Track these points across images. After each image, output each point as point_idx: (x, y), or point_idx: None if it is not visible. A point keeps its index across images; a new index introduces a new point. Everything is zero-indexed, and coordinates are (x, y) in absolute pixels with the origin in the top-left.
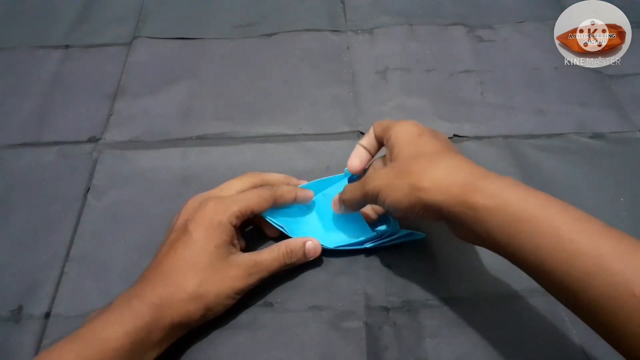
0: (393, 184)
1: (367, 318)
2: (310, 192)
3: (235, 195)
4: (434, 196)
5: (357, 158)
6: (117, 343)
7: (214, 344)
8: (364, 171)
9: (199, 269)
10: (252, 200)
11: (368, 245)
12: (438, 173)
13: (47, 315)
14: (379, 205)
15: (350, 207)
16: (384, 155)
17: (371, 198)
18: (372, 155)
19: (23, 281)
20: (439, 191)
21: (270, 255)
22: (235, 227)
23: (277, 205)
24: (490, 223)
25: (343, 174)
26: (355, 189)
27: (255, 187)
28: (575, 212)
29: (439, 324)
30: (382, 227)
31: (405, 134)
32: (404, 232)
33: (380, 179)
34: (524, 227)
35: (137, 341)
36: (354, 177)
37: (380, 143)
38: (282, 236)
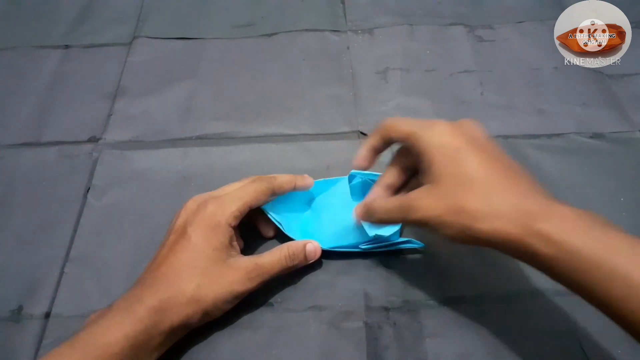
0: (443, 220)
1: (367, 318)
2: (309, 179)
3: (233, 193)
4: (492, 239)
5: (363, 160)
6: (117, 348)
7: (214, 344)
8: (364, 174)
9: (198, 273)
10: (250, 195)
11: (363, 246)
12: (493, 215)
13: (47, 315)
14: (427, 231)
15: (383, 224)
16: (400, 149)
17: (415, 226)
18: (378, 155)
19: (23, 281)
20: (497, 235)
21: (271, 258)
22: (234, 227)
23: (277, 195)
24: (555, 269)
25: (343, 176)
26: (393, 213)
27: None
28: None
29: (439, 324)
30: (380, 232)
31: (440, 149)
32: (402, 239)
33: (426, 210)
34: (592, 276)
35: (137, 345)
36: (356, 179)
37: (389, 144)
38: (277, 236)
